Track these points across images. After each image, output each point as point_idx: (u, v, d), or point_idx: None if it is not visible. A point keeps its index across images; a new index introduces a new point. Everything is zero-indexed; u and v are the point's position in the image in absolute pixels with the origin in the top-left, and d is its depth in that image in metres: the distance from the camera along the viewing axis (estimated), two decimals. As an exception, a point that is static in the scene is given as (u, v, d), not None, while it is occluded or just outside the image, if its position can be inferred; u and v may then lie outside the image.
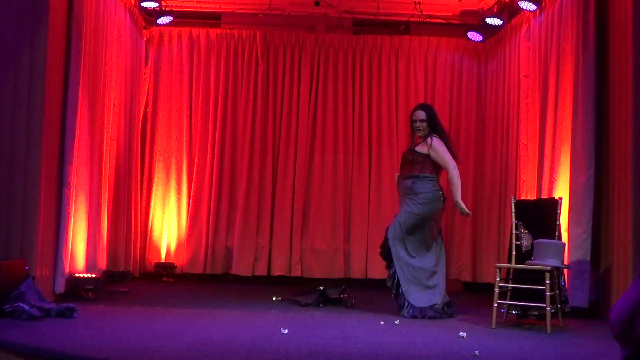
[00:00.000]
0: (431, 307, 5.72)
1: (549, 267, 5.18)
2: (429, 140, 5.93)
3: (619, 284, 5.57)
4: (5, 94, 5.53)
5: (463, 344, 4.50)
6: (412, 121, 6.05)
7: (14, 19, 5.59)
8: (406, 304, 5.72)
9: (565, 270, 5.75)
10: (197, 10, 8.54)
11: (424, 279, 5.82)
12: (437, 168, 5.96)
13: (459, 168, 5.95)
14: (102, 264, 6.89)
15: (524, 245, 5.72)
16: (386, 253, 5.94)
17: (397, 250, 5.85)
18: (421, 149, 5.93)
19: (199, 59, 8.61)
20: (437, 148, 5.90)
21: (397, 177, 6.14)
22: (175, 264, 8.32)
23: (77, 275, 6.15)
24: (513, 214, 5.79)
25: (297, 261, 8.39)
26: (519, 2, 7.08)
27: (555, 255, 5.31)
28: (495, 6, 8.06)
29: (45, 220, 5.69)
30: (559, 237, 5.58)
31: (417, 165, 5.90)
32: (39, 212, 5.57)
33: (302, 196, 8.49)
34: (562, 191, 6.22)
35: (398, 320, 5.41)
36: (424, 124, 5.98)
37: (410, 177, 5.91)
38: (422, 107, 6.19)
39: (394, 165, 8.50)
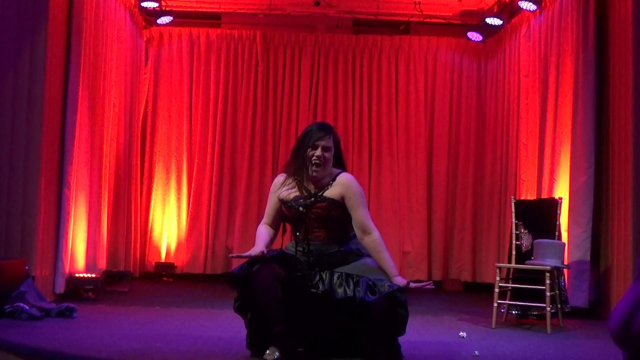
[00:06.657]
0: None
1: (549, 267, 5.18)
2: (344, 176, 3.85)
3: (619, 284, 5.57)
4: (5, 93, 5.53)
5: (463, 344, 4.50)
6: (309, 147, 3.80)
7: (14, 19, 5.58)
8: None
9: (565, 270, 5.75)
10: (197, 10, 8.53)
11: None
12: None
13: None
14: (102, 264, 6.89)
15: (524, 245, 5.72)
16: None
17: None
18: (332, 192, 3.83)
19: (199, 59, 8.60)
20: (357, 187, 3.85)
21: (300, 246, 4.00)
22: (175, 264, 8.32)
23: (77, 275, 6.14)
24: (513, 214, 5.79)
25: (297, 261, 8.37)
26: (519, 2, 7.08)
27: (555, 255, 5.31)
28: (495, 6, 8.05)
29: (45, 220, 5.69)
30: (559, 237, 5.58)
31: (337, 224, 3.84)
32: (39, 212, 5.57)
33: (302, 196, 8.46)
34: (562, 191, 6.22)
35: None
36: (329, 155, 3.82)
37: (344, 245, 3.85)
38: (326, 128, 3.87)
39: (394, 166, 8.51)
